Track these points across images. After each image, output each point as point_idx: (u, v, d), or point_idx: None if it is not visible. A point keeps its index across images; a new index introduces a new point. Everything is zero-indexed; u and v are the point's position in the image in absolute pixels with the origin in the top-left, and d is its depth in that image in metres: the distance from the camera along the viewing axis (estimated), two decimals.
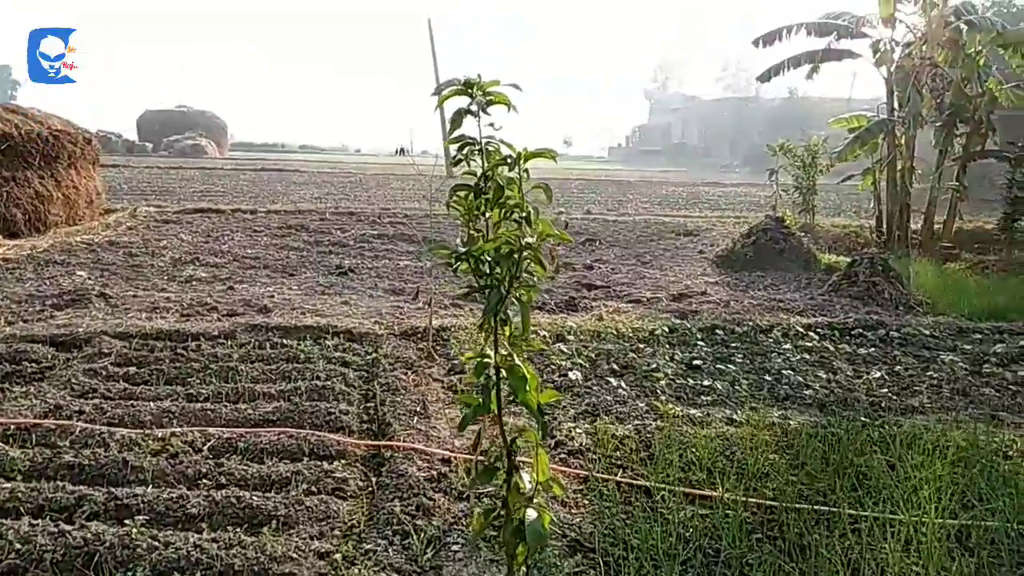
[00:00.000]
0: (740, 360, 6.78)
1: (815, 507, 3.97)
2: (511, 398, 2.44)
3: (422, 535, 3.66)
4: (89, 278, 9.50)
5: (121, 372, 5.91)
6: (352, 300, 8.92)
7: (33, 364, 5.98)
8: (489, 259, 2.28)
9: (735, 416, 5.42)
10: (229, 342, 6.76)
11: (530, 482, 2.49)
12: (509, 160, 2.31)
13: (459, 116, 2.33)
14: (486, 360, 2.42)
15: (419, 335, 7.23)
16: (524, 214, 2.29)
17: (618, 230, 16.75)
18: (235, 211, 17.17)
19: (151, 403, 5.23)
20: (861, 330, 7.91)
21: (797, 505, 3.96)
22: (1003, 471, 4.41)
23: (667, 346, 7.18)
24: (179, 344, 6.64)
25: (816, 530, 3.72)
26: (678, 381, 6.16)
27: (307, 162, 49.45)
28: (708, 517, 3.88)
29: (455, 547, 3.61)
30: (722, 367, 6.52)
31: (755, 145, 53.83)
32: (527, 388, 2.38)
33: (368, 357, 6.58)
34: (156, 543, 3.47)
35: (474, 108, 2.33)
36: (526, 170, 2.36)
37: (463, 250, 2.28)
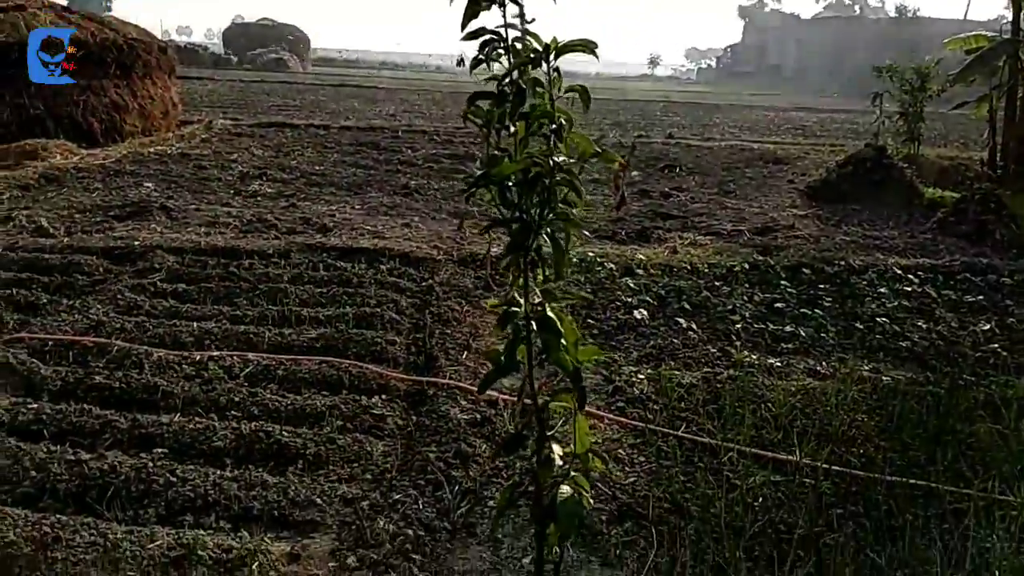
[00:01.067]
0: (828, 304, 6.13)
1: (909, 481, 3.43)
2: (543, 355, 2.00)
3: (457, 487, 3.32)
4: (155, 190, 9.44)
5: (170, 289, 5.75)
6: (414, 222, 8.57)
7: (84, 277, 5.87)
8: (513, 185, 1.81)
9: (819, 368, 4.86)
10: (283, 262, 6.53)
11: (563, 457, 2.07)
12: (535, 55, 1.80)
13: (475, 4, 1.82)
14: (513, 309, 1.98)
15: (479, 262, 6.83)
16: (554, 126, 1.79)
17: (701, 156, 15.78)
18: (308, 126, 16.97)
19: (194, 323, 5.03)
20: (968, 275, 7.07)
21: (888, 478, 3.44)
22: None
23: (746, 285, 6.57)
24: (232, 262, 6.44)
25: (910, 508, 3.22)
26: (756, 325, 5.59)
27: (387, 78, 48.95)
28: (782, 485, 3.41)
29: (491, 503, 3.27)
30: (807, 311, 5.89)
31: (857, 68, 50.28)
32: (561, 345, 1.93)
33: (423, 284, 6.25)
34: (173, 478, 3.25)
35: None
36: (556, 69, 1.84)
37: (479, 172, 1.81)
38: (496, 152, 1.86)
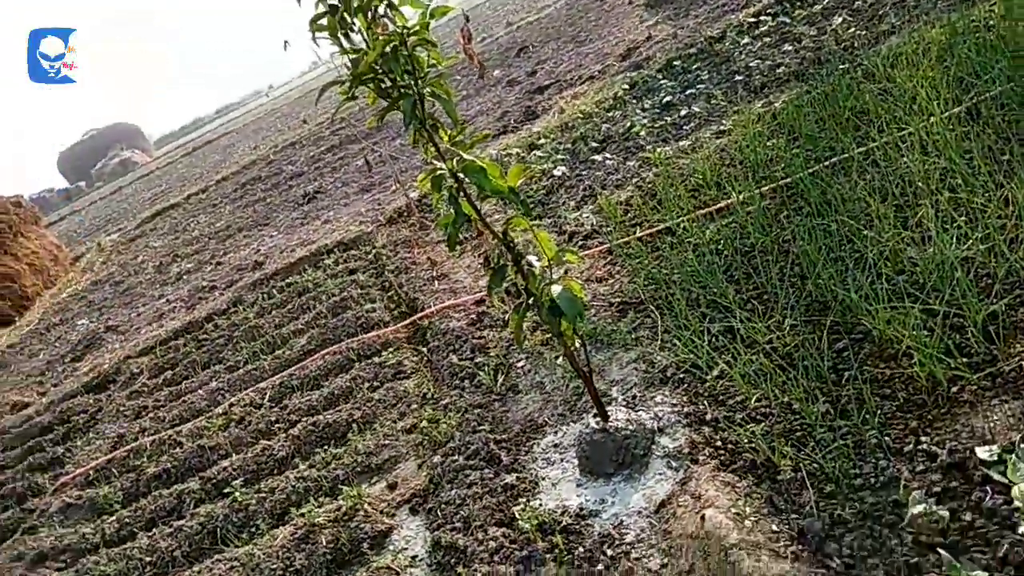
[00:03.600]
0: (707, 77, 6.55)
1: (826, 164, 3.90)
2: (483, 196, 2.34)
3: (486, 369, 3.71)
4: (91, 321, 9.48)
5: (160, 381, 5.97)
6: (331, 216, 8.77)
7: (81, 415, 6.06)
8: (380, 69, 2.11)
9: (722, 126, 5.29)
10: (240, 308, 6.74)
11: (539, 263, 2.44)
12: None
13: None
14: (439, 172, 2.31)
15: (404, 212, 7.12)
16: (385, 4, 2.09)
17: (543, 24, 15.98)
18: (188, 197, 16.77)
19: (199, 391, 5.30)
20: None
21: (809, 171, 3.89)
22: (990, 40, 4.25)
23: (634, 101, 6.96)
24: (198, 332, 6.65)
25: (834, 183, 3.67)
26: (657, 125, 6.00)
27: (230, 121, 47.64)
28: (732, 223, 3.85)
29: (520, 364, 3.68)
30: (692, 91, 6.32)
31: None
32: (490, 177, 2.28)
33: (369, 255, 6.53)
34: (262, 494, 3.60)
35: None
36: None
37: (348, 76, 2.11)
38: (353, 56, 2.15)
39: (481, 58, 10.15)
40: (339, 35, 2.14)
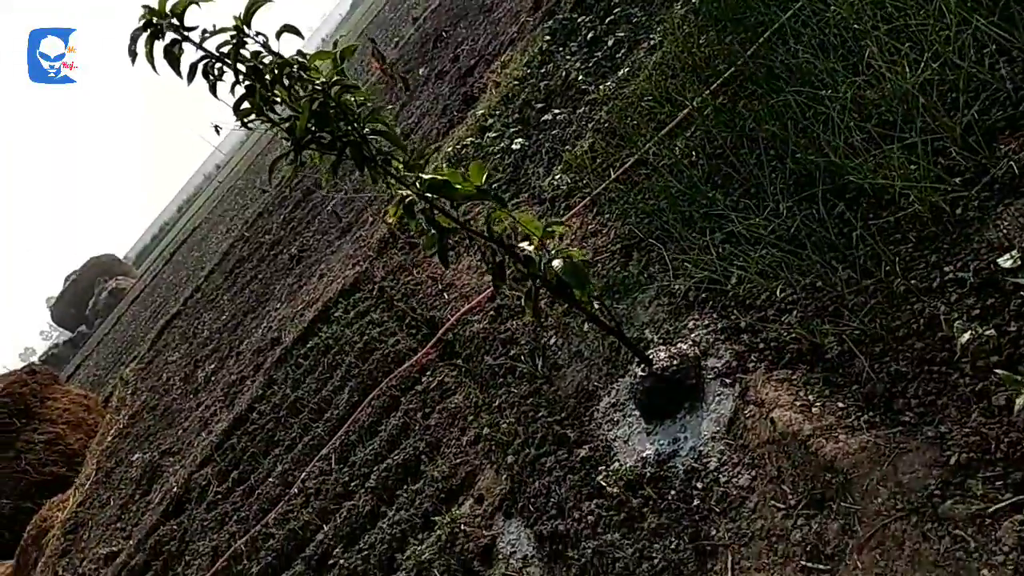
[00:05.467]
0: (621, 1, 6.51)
1: (762, 41, 3.88)
2: (454, 205, 2.38)
3: (522, 359, 3.76)
4: (144, 454, 9.62)
5: (230, 484, 6.07)
6: (323, 269, 8.83)
7: (171, 542, 6.19)
8: (315, 128, 2.14)
9: (652, 41, 5.27)
10: (274, 387, 6.83)
11: (532, 246, 2.48)
12: (234, 33, 2.11)
13: (171, 54, 2.11)
14: (407, 199, 2.34)
15: (389, 239, 7.16)
16: (296, 65, 2.12)
17: (448, 6, 15.83)
18: (186, 300, 16.89)
19: (269, 480, 5.39)
20: None
21: (748, 53, 3.89)
22: None
23: (560, 49, 6.92)
24: (245, 425, 6.74)
25: (775, 56, 3.66)
26: (591, 64, 5.98)
27: (195, 214, 47.78)
28: (696, 131, 3.86)
29: (551, 342, 3.72)
30: (611, 18, 6.27)
31: None
32: (455, 186, 2.31)
33: (373, 293, 6.57)
34: (364, 552, 3.69)
35: (175, 35, 2.12)
36: (262, 34, 2.16)
37: (289, 144, 2.15)
38: (287, 125, 2.18)
39: (401, 70, 10.13)
40: (265, 112, 2.17)
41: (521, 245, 2.52)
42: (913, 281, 2.23)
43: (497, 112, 7.12)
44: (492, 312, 4.50)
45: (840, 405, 2.12)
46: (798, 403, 2.19)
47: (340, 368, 5.82)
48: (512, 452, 3.27)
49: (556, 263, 2.49)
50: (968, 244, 2.17)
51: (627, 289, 3.39)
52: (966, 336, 1.92)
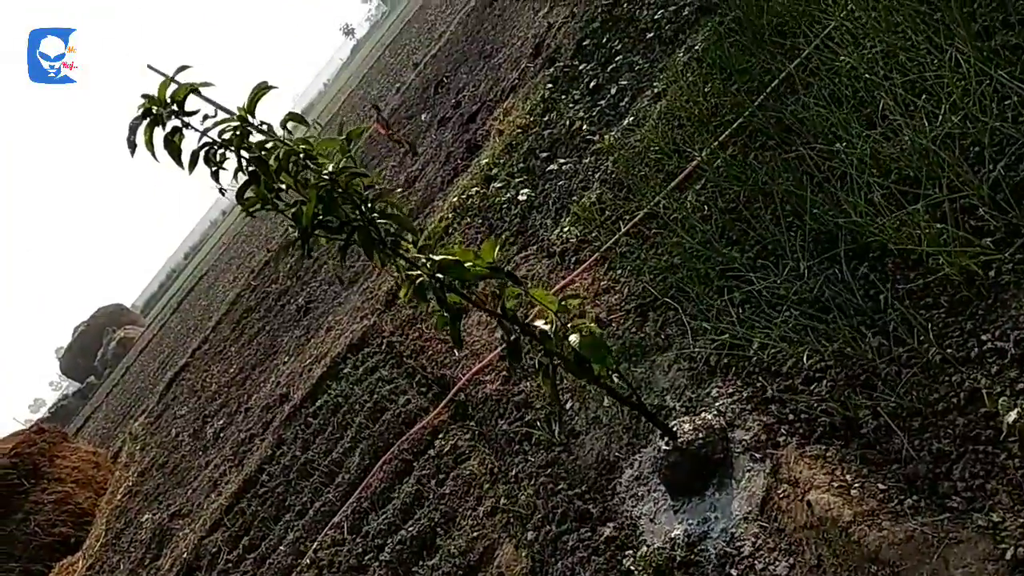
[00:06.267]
0: (620, 46, 6.51)
1: (769, 92, 3.83)
2: (464, 285, 2.29)
3: (539, 424, 3.65)
4: (154, 515, 9.46)
5: (240, 551, 5.92)
6: (331, 322, 8.75)
7: None
8: (321, 213, 2.07)
9: (655, 89, 5.24)
10: (284, 448, 6.71)
11: (547, 323, 2.38)
12: (239, 121, 2.06)
13: (171, 143, 2.06)
14: (419, 280, 2.26)
15: (397, 292, 7.09)
16: (302, 153, 2.05)
17: (449, 53, 16.00)
18: (193, 354, 16.82)
19: (280, 548, 5.25)
20: None
21: (756, 103, 3.83)
22: None
23: (563, 96, 6.91)
24: (255, 488, 6.61)
25: (785, 107, 3.61)
26: (594, 112, 5.95)
27: (202, 261, 48.02)
28: (706, 184, 3.79)
29: (570, 410, 3.61)
30: (613, 66, 6.26)
31: None
32: (466, 263, 2.23)
33: (383, 348, 6.48)
34: None
35: (176, 122, 2.07)
36: (266, 123, 2.10)
37: (296, 234, 2.08)
38: (293, 210, 2.11)
39: (405, 135, 10.17)
40: (271, 200, 2.11)
41: (536, 323, 2.43)
42: (949, 350, 2.13)
43: (501, 161, 7.09)
44: (504, 371, 4.40)
45: (881, 487, 2.00)
46: (835, 484, 2.07)
47: (351, 428, 5.70)
48: (532, 527, 3.14)
49: (573, 338, 2.39)
50: (1005, 310, 2.07)
51: (644, 352, 3.29)
52: (1013, 415, 1.82)
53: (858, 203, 2.63)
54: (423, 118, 12.94)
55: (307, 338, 9.24)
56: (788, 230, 2.97)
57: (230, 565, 5.85)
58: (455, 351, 5.15)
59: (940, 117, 2.62)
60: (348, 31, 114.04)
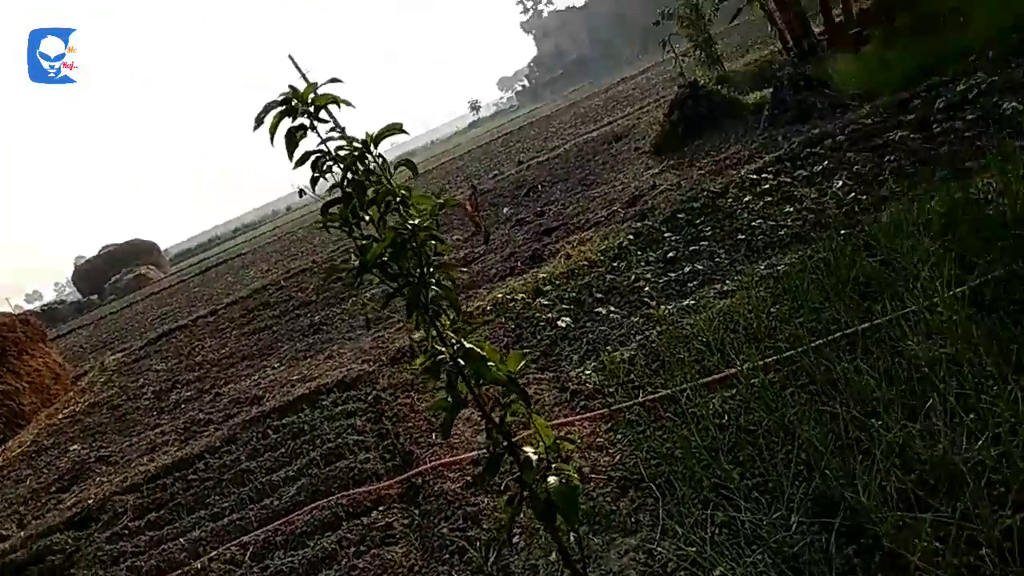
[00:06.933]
0: (710, 232, 6.67)
1: (830, 339, 3.86)
2: (481, 380, 2.30)
3: (478, 544, 3.54)
4: (83, 448, 9.28)
5: (142, 523, 5.75)
6: (334, 351, 8.75)
7: (58, 555, 5.80)
8: (388, 259, 2.13)
9: (725, 286, 5.32)
10: (233, 447, 6.59)
11: (536, 453, 2.36)
12: (359, 151, 2.15)
13: (293, 135, 2.16)
14: (439, 357, 2.28)
15: (408, 353, 7.09)
16: (399, 196, 2.14)
17: (553, 166, 16.55)
18: (196, 320, 16.86)
19: (180, 540, 5.08)
20: (809, 149, 7.80)
21: (813, 344, 3.86)
22: (988, 216, 4.32)
23: (639, 252, 7.06)
24: (187, 471, 6.47)
25: (841, 360, 3.62)
26: (661, 280, 6.05)
27: (246, 241, 48.86)
28: (735, 395, 3.78)
29: (515, 545, 3.50)
30: (695, 247, 6.41)
31: (644, 27, 53.46)
32: (489, 365, 2.24)
33: (368, 398, 6.44)
34: None
35: (305, 121, 2.17)
36: (382, 156, 2.20)
37: (356, 263, 2.13)
38: (363, 242, 2.17)
39: (483, 219, 10.44)
40: (350, 223, 2.18)
41: (526, 448, 2.40)
42: None
43: (558, 282, 7.19)
44: (470, 476, 4.32)
45: None
46: None
47: (302, 459, 5.60)
48: None
49: (552, 480, 2.36)
50: None
51: (609, 527, 3.21)
52: None
53: (871, 485, 2.59)
54: (505, 211, 13.28)
55: (305, 355, 9.23)
56: (794, 478, 2.92)
57: (126, 532, 5.67)
58: (436, 436, 5.08)
59: (979, 443, 2.60)
60: (475, 107, 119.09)
